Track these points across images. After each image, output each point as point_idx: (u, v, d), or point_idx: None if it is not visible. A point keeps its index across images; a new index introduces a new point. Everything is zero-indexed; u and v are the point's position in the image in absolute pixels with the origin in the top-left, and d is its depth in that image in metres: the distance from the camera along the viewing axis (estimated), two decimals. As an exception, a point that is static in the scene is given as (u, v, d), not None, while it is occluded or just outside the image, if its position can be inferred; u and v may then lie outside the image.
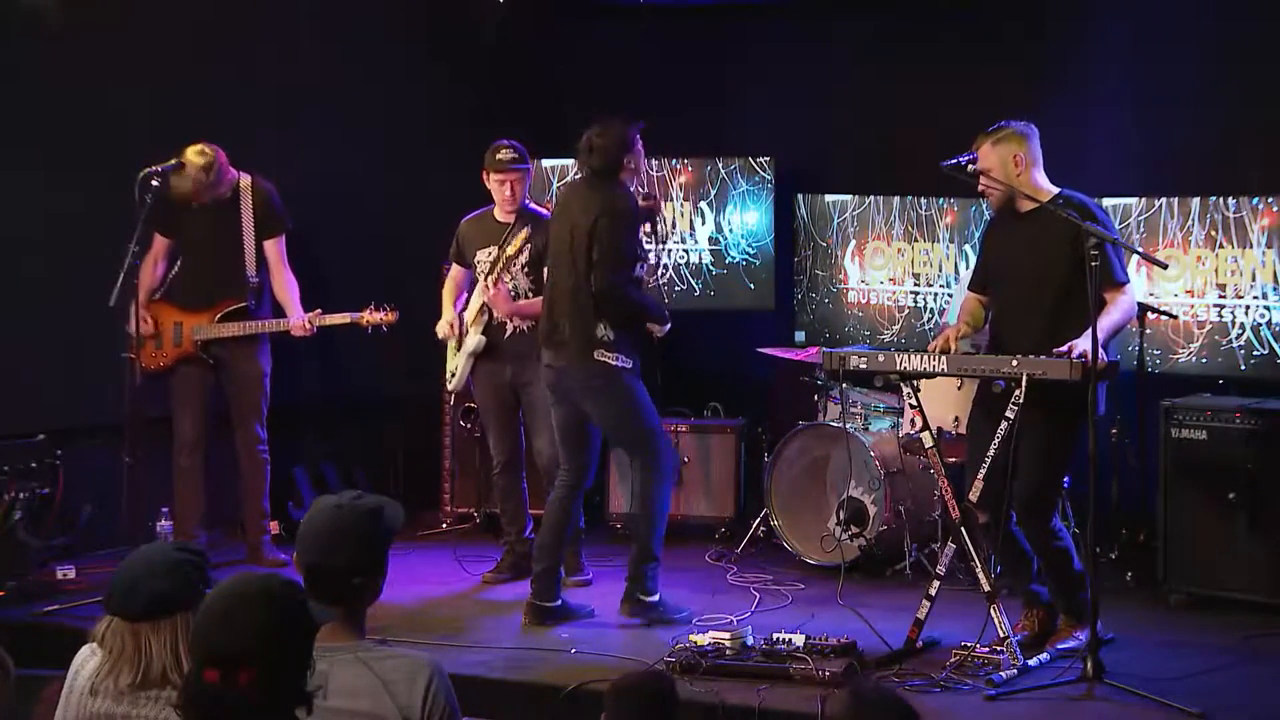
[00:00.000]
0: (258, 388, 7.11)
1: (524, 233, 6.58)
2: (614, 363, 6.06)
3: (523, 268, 6.74)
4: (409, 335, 7.32)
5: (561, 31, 8.88)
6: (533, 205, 6.93)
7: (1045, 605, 5.82)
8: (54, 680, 3.74)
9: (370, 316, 7.07)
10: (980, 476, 5.56)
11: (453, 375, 6.96)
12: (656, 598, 6.22)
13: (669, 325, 6.34)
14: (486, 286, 6.68)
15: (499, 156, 6.73)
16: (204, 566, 3.30)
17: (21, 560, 6.58)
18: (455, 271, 7.02)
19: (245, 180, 7.05)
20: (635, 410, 6.16)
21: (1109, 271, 5.48)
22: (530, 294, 6.73)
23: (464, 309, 6.96)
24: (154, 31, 7.35)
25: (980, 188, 5.68)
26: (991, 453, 5.47)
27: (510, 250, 6.61)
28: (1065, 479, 5.63)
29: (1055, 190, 5.66)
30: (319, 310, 7.06)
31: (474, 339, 6.83)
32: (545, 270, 6.38)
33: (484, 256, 6.82)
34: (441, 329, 6.92)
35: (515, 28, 8.66)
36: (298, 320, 7.03)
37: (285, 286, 7.10)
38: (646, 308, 6.25)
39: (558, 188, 6.83)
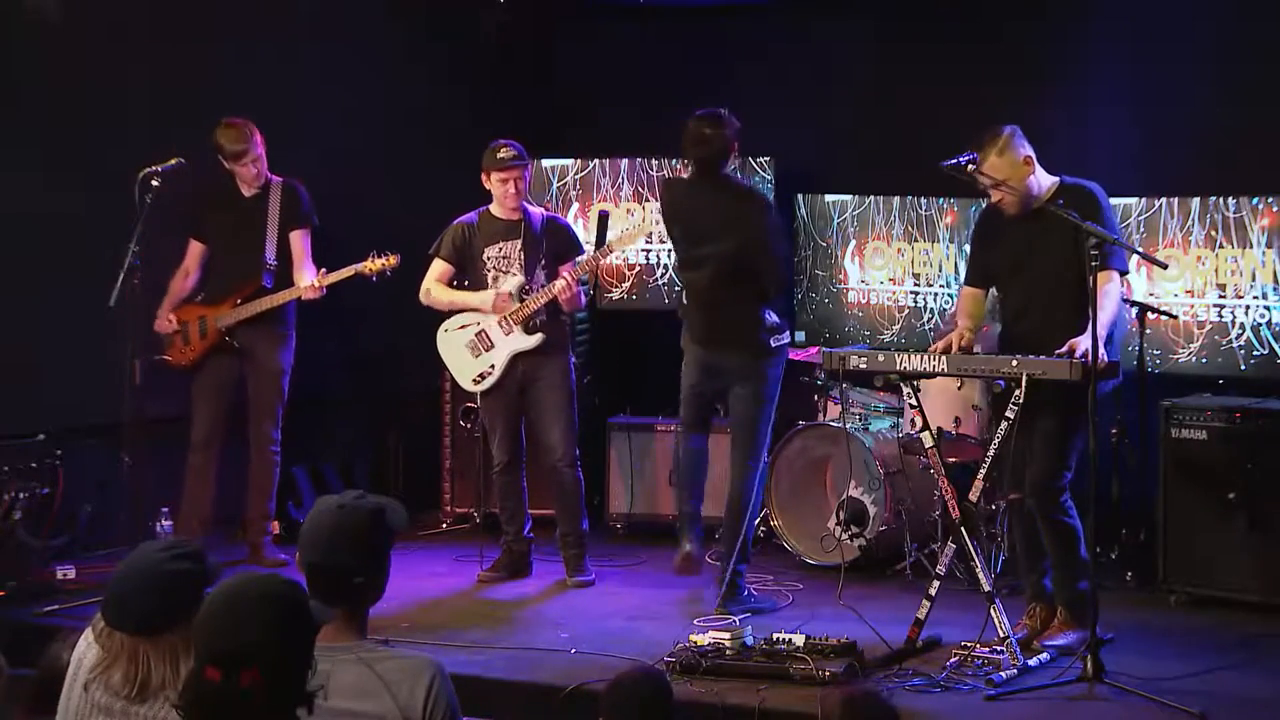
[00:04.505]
0: (276, 386, 7.14)
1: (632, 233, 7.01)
2: (784, 341, 6.48)
3: (542, 263, 6.80)
4: (409, 335, 7.31)
5: (561, 31, 8.88)
6: (527, 203, 6.94)
7: (1049, 602, 5.81)
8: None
9: (373, 264, 7.05)
10: (980, 476, 5.60)
11: (483, 376, 6.88)
12: (747, 592, 6.42)
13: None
14: (567, 284, 6.67)
15: (500, 155, 6.74)
16: (201, 573, 3.20)
17: (21, 560, 6.59)
18: (440, 272, 6.96)
19: (277, 181, 7.16)
20: (772, 403, 6.45)
21: (1105, 255, 5.47)
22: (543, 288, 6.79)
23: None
24: (154, 31, 7.35)
25: (996, 198, 5.63)
26: (992, 451, 5.54)
27: (605, 255, 6.92)
28: (1073, 461, 5.66)
29: (1055, 179, 5.67)
30: (324, 270, 7.08)
31: (530, 339, 6.79)
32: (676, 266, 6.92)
33: (494, 253, 6.83)
34: (504, 304, 6.79)
35: (515, 27, 8.66)
36: (307, 283, 7.05)
37: (306, 278, 7.11)
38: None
39: (660, 184, 6.98)
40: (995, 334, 6.05)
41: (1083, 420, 5.43)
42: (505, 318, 6.79)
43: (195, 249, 7.21)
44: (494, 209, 6.88)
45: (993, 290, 6.01)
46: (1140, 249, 6.45)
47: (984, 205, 6.01)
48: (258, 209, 7.12)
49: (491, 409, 6.99)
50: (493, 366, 6.86)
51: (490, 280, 6.85)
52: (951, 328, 5.97)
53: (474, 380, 6.93)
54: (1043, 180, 5.67)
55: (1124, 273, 5.76)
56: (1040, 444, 5.60)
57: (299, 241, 7.15)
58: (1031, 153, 5.62)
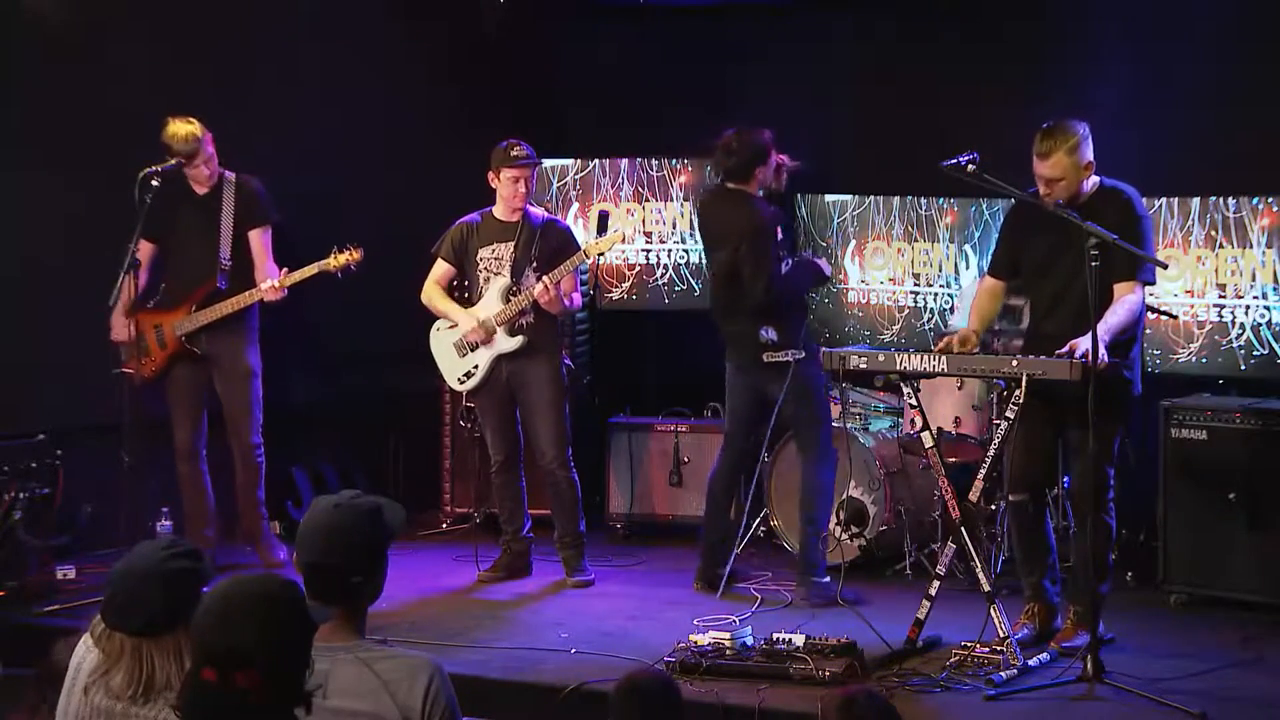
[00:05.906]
0: (248, 389, 7.02)
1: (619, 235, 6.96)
2: (785, 358, 6.50)
3: (532, 265, 6.78)
4: (409, 334, 7.31)
5: (561, 31, 8.88)
6: (530, 205, 6.94)
7: (1048, 603, 5.82)
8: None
9: (335, 260, 6.89)
10: (980, 476, 5.60)
11: (468, 376, 6.92)
12: (828, 579, 6.52)
13: (829, 271, 6.94)
14: (547, 287, 6.64)
15: (514, 154, 6.74)
16: (200, 570, 3.22)
17: (21, 560, 6.58)
18: (441, 272, 6.98)
19: (230, 176, 6.99)
20: (809, 400, 6.59)
21: (1134, 265, 5.46)
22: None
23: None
24: (154, 32, 7.35)
25: (1044, 192, 5.56)
26: (992, 451, 5.55)
27: (597, 252, 6.90)
28: (1115, 454, 5.72)
29: (1096, 180, 5.64)
30: (285, 269, 6.94)
31: (512, 340, 6.80)
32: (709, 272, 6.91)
33: (487, 254, 6.83)
34: (476, 334, 6.81)
35: (515, 27, 8.66)
36: (267, 285, 6.89)
37: (267, 279, 6.95)
38: (801, 289, 6.75)
39: (700, 194, 7.05)
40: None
41: (1114, 422, 5.54)
42: (490, 318, 6.79)
43: (145, 249, 6.94)
44: (496, 210, 6.87)
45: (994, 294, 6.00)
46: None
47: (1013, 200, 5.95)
48: (211, 207, 6.94)
49: (483, 408, 7.01)
50: (476, 367, 6.87)
51: (482, 281, 6.85)
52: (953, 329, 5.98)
53: (459, 380, 6.94)
54: (1088, 182, 5.62)
55: (1149, 284, 5.69)
56: (1084, 447, 5.50)
57: (259, 240, 6.97)
58: (1093, 158, 5.57)
